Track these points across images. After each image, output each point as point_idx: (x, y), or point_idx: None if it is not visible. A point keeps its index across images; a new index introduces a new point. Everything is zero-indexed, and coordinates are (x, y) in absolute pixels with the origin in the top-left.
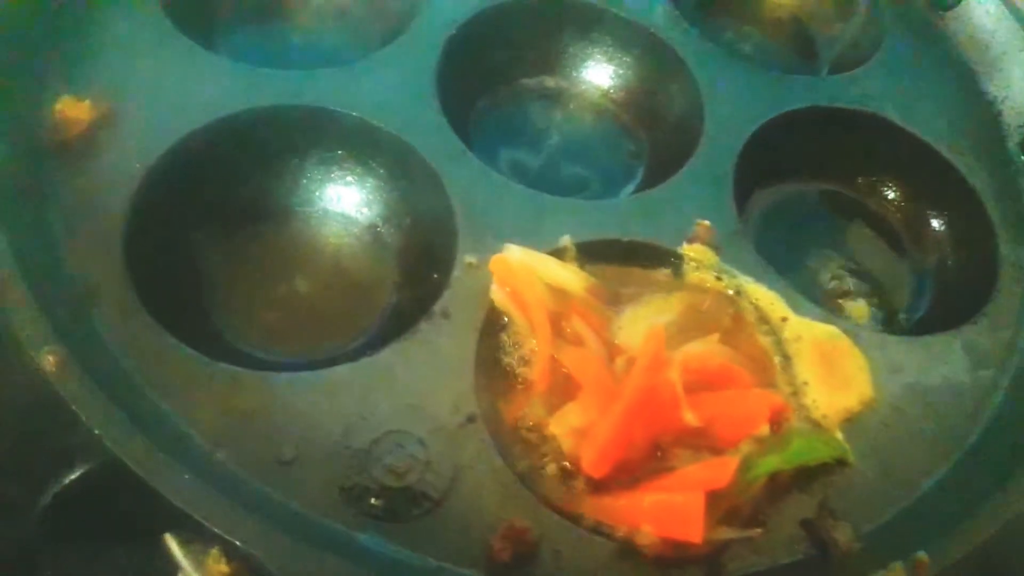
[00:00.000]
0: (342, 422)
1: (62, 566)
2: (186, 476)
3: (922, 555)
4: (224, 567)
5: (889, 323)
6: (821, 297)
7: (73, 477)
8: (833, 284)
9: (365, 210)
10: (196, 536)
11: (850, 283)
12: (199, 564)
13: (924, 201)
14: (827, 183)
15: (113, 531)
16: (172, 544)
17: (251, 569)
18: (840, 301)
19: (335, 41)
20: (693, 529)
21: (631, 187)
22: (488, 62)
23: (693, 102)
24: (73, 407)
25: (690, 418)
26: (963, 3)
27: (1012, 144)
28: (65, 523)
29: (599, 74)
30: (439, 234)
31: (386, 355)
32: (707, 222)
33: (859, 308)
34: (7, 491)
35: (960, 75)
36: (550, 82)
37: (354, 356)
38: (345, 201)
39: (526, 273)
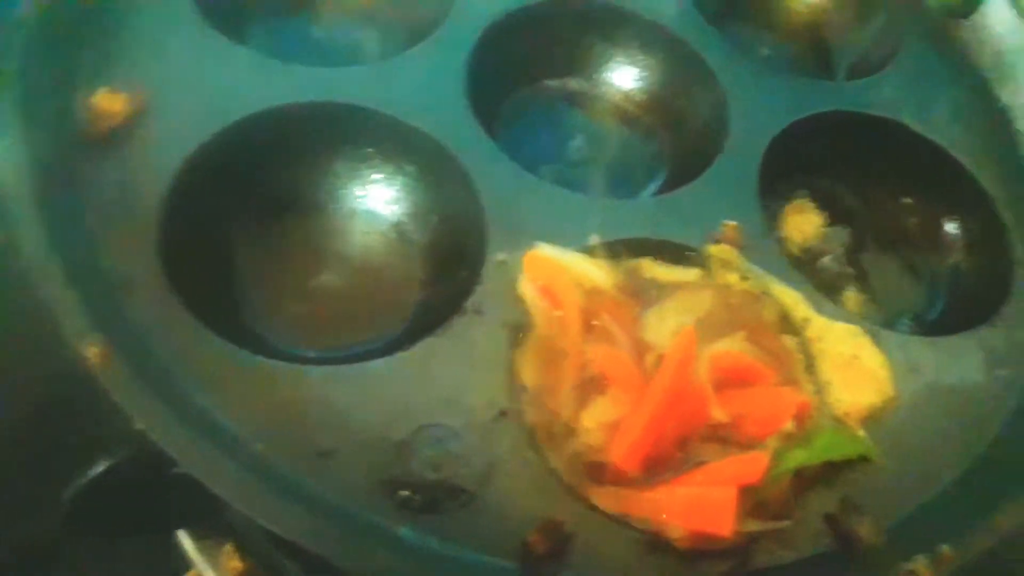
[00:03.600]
0: (379, 416)
1: (77, 562)
2: (231, 467)
3: (945, 548)
4: (238, 563)
5: (891, 325)
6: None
7: (95, 473)
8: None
9: (394, 207)
10: (210, 533)
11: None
12: (213, 560)
13: (939, 205)
14: (844, 185)
15: (128, 527)
16: (185, 541)
17: (265, 566)
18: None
19: (362, 37)
20: (724, 523)
21: (652, 188)
22: (514, 64)
23: (717, 105)
24: (116, 399)
25: (718, 414)
26: (978, 13)
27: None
28: (85, 519)
29: (622, 76)
30: (467, 232)
31: (420, 350)
32: (734, 223)
33: (852, 298)
34: (30, 488)
35: (975, 82)
36: (573, 84)
37: (385, 351)
38: (374, 198)
39: (558, 270)
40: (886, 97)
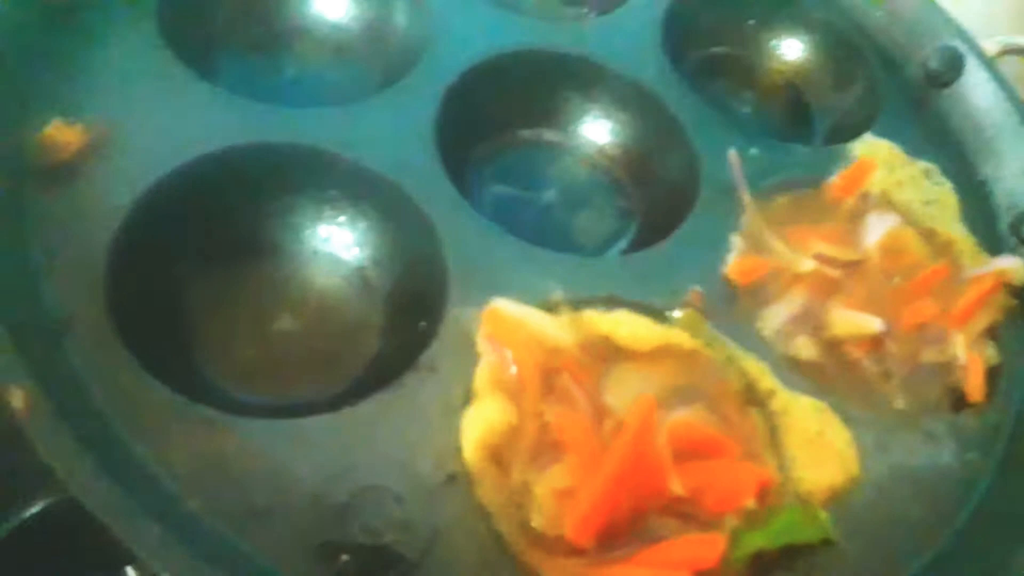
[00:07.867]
0: (319, 474)
1: None
2: (152, 526)
3: None
4: None
5: None
6: None
7: (33, 511)
8: None
9: (356, 251)
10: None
11: None
12: None
13: None
14: None
15: (73, 563)
16: None
17: None
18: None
19: (335, 78)
20: None
21: (622, 245)
22: (487, 112)
23: (690, 165)
24: (39, 448)
25: (677, 487)
26: (960, 83)
27: (1002, 225)
28: (23, 557)
29: (597, 130)
30: (429, 282)
31: (368, 407)
32: (699, 289)
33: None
34: None
35: (953, 153)
36: (548, 135)
37: (334, 403)
38: (335, 242)
39: (517, 328)
40: None
